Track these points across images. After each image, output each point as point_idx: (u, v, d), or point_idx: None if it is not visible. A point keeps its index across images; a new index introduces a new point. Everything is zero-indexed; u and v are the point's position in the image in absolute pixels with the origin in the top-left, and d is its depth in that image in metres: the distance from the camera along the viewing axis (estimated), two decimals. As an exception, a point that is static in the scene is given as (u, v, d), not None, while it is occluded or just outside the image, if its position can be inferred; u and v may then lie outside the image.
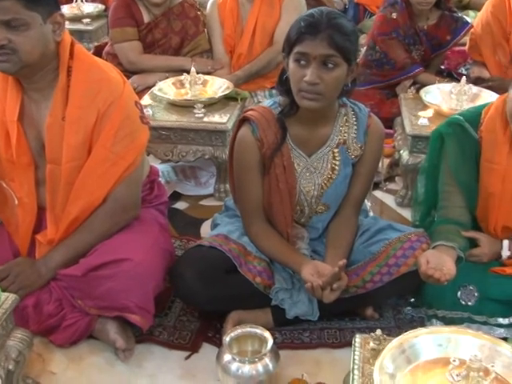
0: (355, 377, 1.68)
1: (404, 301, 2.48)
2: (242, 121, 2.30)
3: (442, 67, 4.25)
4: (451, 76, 4.04)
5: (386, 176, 3.38)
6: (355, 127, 2.31)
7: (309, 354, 2.30)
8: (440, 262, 1.98)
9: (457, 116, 2.33)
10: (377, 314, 2.43)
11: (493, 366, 1.51)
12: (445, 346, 1.63)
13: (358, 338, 1.81)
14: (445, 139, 2.30)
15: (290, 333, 2.37)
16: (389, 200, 3.28)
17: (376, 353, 1.70)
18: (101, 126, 2.18)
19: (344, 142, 2.30)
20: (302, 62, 2.08)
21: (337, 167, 2.31)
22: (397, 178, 3.39)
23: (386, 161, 3.40)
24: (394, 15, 3.86)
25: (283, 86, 2.21)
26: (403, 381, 1.58)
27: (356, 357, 1.75)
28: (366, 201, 2.95)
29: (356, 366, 1.71)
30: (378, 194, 3.31)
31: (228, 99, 3.33)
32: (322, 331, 2.38)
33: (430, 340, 1.64)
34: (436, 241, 2.16)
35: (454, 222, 2.27)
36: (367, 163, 2.34)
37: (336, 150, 2.31)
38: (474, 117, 2.28)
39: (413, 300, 2.42)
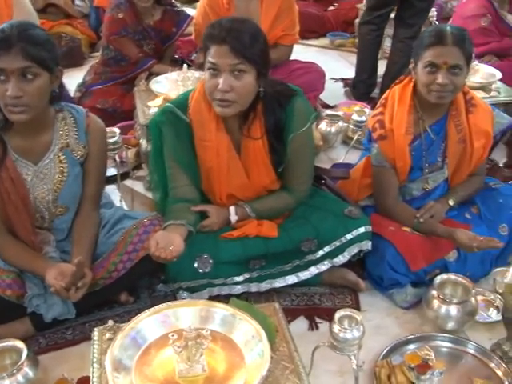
0: (94, 369, 1.59)
1: (157, 279, 2.42)
2: None
3: (176, 56, 4.21)
4: (186, 63, 4.01)
5: (133, 165, 3.27)
6: (75, 129, 2.18)
7: (74, 350, 2.18)
8: (169, 242, 1.92)
9: (168, 104, 2.29)
10: (131, 298, 2.36)
11: (207, 331, 1.48)
12: (168, 322, 1.58)
13: (95, 332, 1.72)
14: (161, 127, 2.24)
15: (54, 334, 2.23)
16: (138, 186, 3.18)
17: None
18: None
19: (67, 144, 2.17)
20: (2, 78, 1.90)
21: (65, 170, 2.17)
22: (143, 165, 3.29)
23: (133, 150, 3.30)
24: (121, 15, 3.75)
25: None
26: (137, 364, 1.51)
27: (95, 350, 1.65)
28: (117, 191, 2.87)
29: (95, 359, 1.62)
30: (128, 182, 3.19)
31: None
32: (84, 325, 2.26)
33: (153, 321, 1.57)
34: (167, 221, 2.12)
35: (183, 200, 2.24)
36: (94, 160, 2.22)
37: (61, 154, 2.16)
38: (183, 102, 2.25)
39: (163, 277, 2.37)
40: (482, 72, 3.59)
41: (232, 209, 2.29)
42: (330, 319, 2.21)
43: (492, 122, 2.54)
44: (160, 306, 1.60)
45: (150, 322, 1.57)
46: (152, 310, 1.58)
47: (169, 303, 1.61)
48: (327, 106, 4.08)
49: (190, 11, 4.52)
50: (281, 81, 2.33)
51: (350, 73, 4.53)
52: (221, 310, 1.61)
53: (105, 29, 3.88)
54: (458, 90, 2.35)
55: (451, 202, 2.51)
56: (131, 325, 1.55)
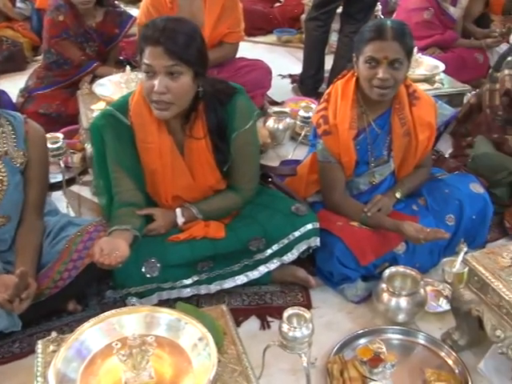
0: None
1: (106, 286, 2.38)
2: None
3: (121, 58, 4.14)
4: (131, 65, 3.95)
5: (80, 170, 3.20)
6: (13, 136, 2.14)
7: (22, 363, 2.11)
8: (113, 247, 1.89)
9: (108, 107, 2.26)
10: (80, 306, 2.30)
11: (151, 338, 1.45)
12: (112, 331, 1.55)
13: (39, 344, 1.67)
14: (101, 131, 2.20)
15: (0, 348, 2.16)
16: (85, 192, 3.10)
17: (56, 354, 1.57)
18: None
19: (6, 152, 2.12)
20: None
21: (5, 178, 2.12)
22: (90, 170, 3.22)
23: (79, 155, 3.23)
24: (61, 17, 3.66)
25: None
26: (82, 376, 1.48)
27: (39, 363, 1.61)
28: (63, 198, 2.81)
29: (39, 373, 1.58)
30: (74, 188, 3.12)
31: None
32: (31, 337, 2.19)
33: (97, 330, 1.54)
34: (112, 226, 2.08)
35: (128, 204, 2.19)
36: (35, 167, 2.18)
37: (0, 163, 2.11)
38: (123, 105, 2.21)
39: (111, 284, 2.33)
40: (426, 64, 3.65)
41: (178, 211, 2.26)
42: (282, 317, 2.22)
43: (435, 113, 2.57)
44: (103, 314, 1.57)
45: (94, 332, 1.53)
46: (95, 319, 1.55)
47: (112, 311, 1.58)
48: (275, 103, 4.08)
49: (134, 11, 4.47)
50: (221, 79, 2.31)
51: (298, 69, 4.54)
52: (165, 314, 1.58)
53: (45, 32, 3.79)
54: (399, 84, 2.38)
55: (398, 195, 2.54)
56: (74, 336, 1.51)
